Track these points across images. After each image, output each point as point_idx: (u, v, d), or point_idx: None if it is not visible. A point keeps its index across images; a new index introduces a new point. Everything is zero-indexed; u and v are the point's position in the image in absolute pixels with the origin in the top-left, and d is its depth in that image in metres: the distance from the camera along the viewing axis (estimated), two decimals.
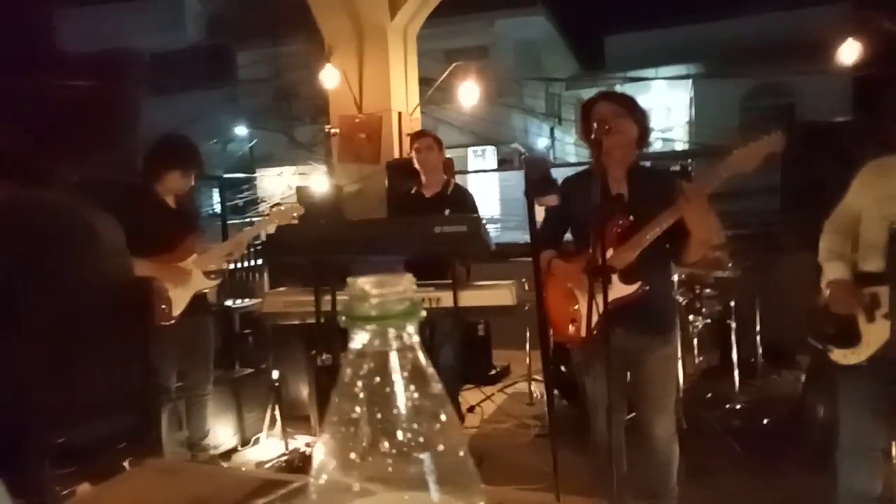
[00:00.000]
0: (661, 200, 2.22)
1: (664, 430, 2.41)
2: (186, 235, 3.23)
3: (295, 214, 3.42)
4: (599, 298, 2.16)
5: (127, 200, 3.42)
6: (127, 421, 2.03)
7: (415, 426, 0.36)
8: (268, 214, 3.61)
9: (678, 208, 2.17)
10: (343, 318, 0.36)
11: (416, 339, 0.37)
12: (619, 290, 2.29)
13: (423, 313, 0.36)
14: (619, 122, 2.31)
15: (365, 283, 0.36)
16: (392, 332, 0.36)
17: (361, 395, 0.35)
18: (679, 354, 2.90)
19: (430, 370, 0.37)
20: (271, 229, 3.47)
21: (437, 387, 0.40)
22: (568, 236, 2.56)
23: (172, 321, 3.12)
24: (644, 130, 2.41)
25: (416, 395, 0.36)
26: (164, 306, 3.09)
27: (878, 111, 2.28)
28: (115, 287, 1.90)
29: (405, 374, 0.36)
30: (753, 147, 2.12)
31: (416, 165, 3.89)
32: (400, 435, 0.36)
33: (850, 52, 5.34)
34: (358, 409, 0.36)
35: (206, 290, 3.33)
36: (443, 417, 0.38)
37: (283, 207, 3.54)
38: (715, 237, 2.34)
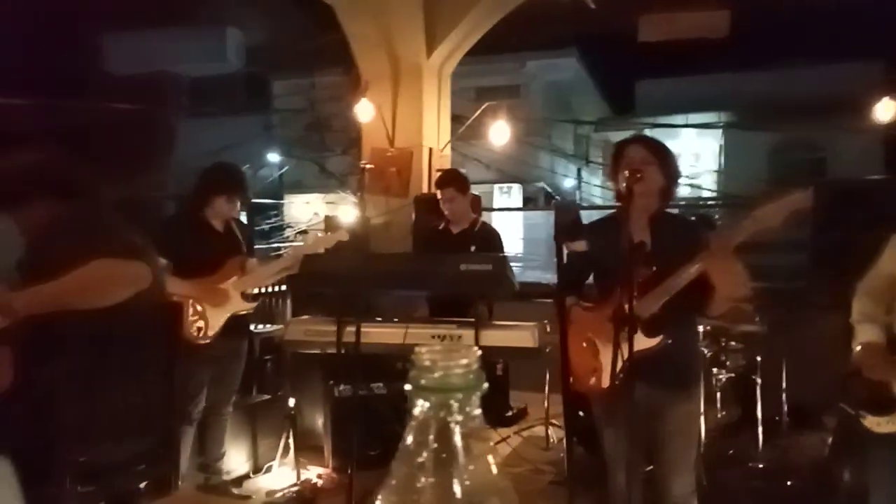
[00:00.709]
0: (685, 250, 2.20)
1: (683, 489, 2.35)
2: (229, 258, 3.31)
3: (339, 240, 3.47)
4: (623, 349, 2.13)
5: (174, 223, 3.57)
6: (148, 441, 2.04)
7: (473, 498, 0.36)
8: (298, 242, 3.66)
9: (702, 261, 2.15)
10: (407, 386, 0.37)
11: (478, 411, 0.38)
12: (642, 342, 2.22)
13: (486, 385, 0.37)
14: (647, 169, 2.28)
15: (430, 353, 0.37)
16: (454, 404, 0.37)
17: (424, 463, 0.36)
18: (701, 410, 2.84)
19: (491, 442, 0.37)
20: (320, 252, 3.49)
21: (494, 459, 0.40)
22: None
23: (208, 341, 3.19)
24: (672, 181, 2.39)
25: (474, 466, 0.37)
26: (200, 325, 3.17)
27: None
28: (145, 306, 1.93)
29: (465, 445, 0.37)
30: (781, 203, 2.09)
31: (443, 210, 3.93)
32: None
33: (885, 110, 5.32)
34: (423, 478, 0.36)
35: (244, 312, 3.40)
36: (499, 488, 0.38)
37: (329, 233, 3.59)
38: (741, 290, 2.30)
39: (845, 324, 2.32)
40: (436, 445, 0.38)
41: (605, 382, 2.29)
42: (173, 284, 3.10)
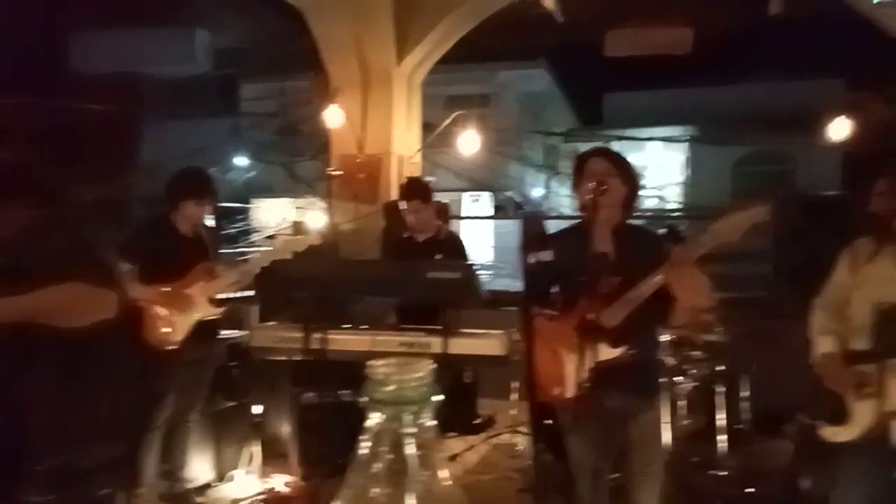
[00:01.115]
0: (648, 261, 2.22)
1: (649, 496, 2.38)
2: (196, 263, 3.27)
3: (306, 245, 3.43)
4: (587, 359, 2.14)
5: (143, 228, 3.52)
6: (113, 449, 2.00)
7: None
8: (268, 246, 3.63)
9: (663, 273, 2.18)
10: (363, 399, 0.37)
11: (431, 422, 0.38)
12: (605, 352, 2.24)
13: (440, 397, 0.37)
14: (610, 181, 2.31)
15: (384, 367, 0.37)
16: (408, 416, 0.37)
17: (378, 473, 0.36)
18: (665, 418, 2.88)
19: (442, 453, 0.38)
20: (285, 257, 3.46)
21: (446, 468, 0.40)
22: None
23: (175, 347, 3.13)
24: (634, 192, 2.42)
25: (426, 476, 0.37)
26: (167, 331, 3.12)
27: (864, 192, 2.34)
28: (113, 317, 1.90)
29: (418, 455, 0.37)
30: (739, 217, 2.12)
31: (407, 221, 3.92)
32: None
33: (840, 128, 5.49)
34: (375, 489, 0.37)
35: (211, 318, 3.35)
36: (449, 497, 0.38)
37: (299, 237, 3.53)
38: (703, 301, 2.34)
39: (806, 334, 2.38)
40: (390, 456, 0.38)
41: (570, 392, 2.31)
42: (139, 290, 3.08)
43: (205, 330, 3.29)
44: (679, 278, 2.17)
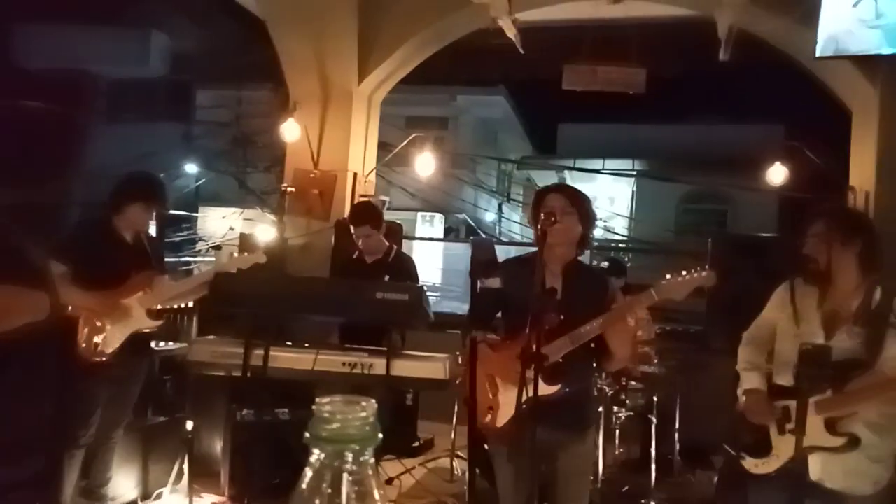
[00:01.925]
0: (593, 302, 2.30)
1: None
2: (136, 272, 3.15)
3: (258, 262, 3.38)
4: (510, 393, 2.19)
5: (81, 229, 3.37)
6: (32, 466, 1.91)
7: None
8: (212, 257, 3.58)
9: (601, 325, 2.24)
10: (307, 435, 0.39)
11: (371, 461, 0.40)
12: (541, 388, 2.22)
13: (380, 436, 0.39)
14: (565, 218, 2.34)
15: (329, 404, 0.39)
16: (349, 455, 0.39)
17: None
18: (597, 451, 2.94)
19: (377, 491, 0.40)
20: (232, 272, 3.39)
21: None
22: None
23: (104, 359, 3.00)
24: (587, 231, 2.47)
25: None
26: (97, 341, 2.98)
27: (796, 234, 2.48)
28: (38, 324, 1.82)
29: (355, 491, 0.38)
30: (687, 279, 2.23)
31: (357, 244, 3.92)
32: None
33: (777, 174, 5.77)
34: None
35: (146, 330, 3.24)
36: None
37: (243, 254, 3.50)
38: (632, 358, 2.43)
39: (734, 369, 2.49)
40: (329, 491, 0.40)
41: (500, 421, 2.34)
42: (73, 295, 2.92)
43: (137, 343, 3.16)
44: (615, 332, 2.25)
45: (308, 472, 0.41)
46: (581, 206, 2.43)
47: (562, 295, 2.29)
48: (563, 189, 2.52)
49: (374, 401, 0.41)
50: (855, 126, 5.15)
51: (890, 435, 2.14)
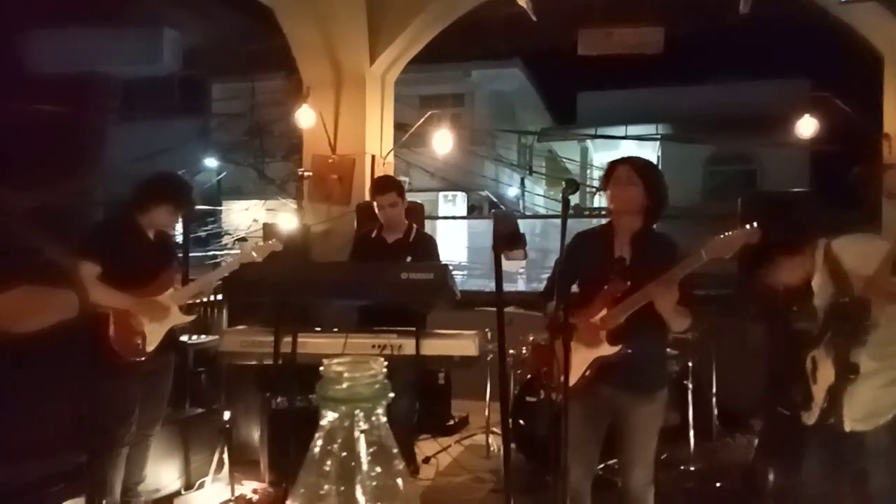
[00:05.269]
0: (660, 268, 2.33)
1: (639, 480, 2.50)
2: (164, 269, 3.18)
3: (275, 250, 3.39)
4: (579, 355, 2.34)
5: (106, 228, 3.40)
6: (67, 462, 1.93)
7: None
8: (236, 249, 3.61)
9: (647, 293, 2.31)
10: (316, 397, 0.37)
11: (383, 419, 0.38)
12: (604, 349, 2.43)
13: (392, 395, 0.37)
14: (629, 188, 2.45)
15: (338, 365, 0.37)
16: (360, 413, 0.36)
17: (330, 471, 0.36)
18: (664, 412, 2.96)
19: (395, 449, 0.37)
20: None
21: (400, 465, 0.40)
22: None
23: (144, 357, 3.03)
24: (657, 202, 2.51)
25: (379, 472, 0.36)
26: (137, 341, 3.01)
27: (831, 188, 2.42)
28: (70, 323, 1.84)
29: (371, 452, 0.36)
30: (733, 236, 2.27)
31: (380, 218, 3.86)
32: None
33: (807, 126, 5.60)
34: (327, 486, 0.36)
35: (180, 325, 3.28)
36: (402, 494, 0.38)
37: (262, 242, 3.52)
38: (680, 325, 2.44)
39: (769, 332, 2.46)
40: (343, 454, 0.38)
41: (574, 380, 2.40)
42: (109, 296, 2.93)
43: (168, 338, 3.18)
44: (660, 301, 2.30)
45: (319, 435, 0.38)
46: (647, 176, 2.50)
47: (630, 262, 2.42)
48: (630, 161, 2.59)
49: (381, 359, 0.39)
50: (888, 70, 4.96)
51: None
